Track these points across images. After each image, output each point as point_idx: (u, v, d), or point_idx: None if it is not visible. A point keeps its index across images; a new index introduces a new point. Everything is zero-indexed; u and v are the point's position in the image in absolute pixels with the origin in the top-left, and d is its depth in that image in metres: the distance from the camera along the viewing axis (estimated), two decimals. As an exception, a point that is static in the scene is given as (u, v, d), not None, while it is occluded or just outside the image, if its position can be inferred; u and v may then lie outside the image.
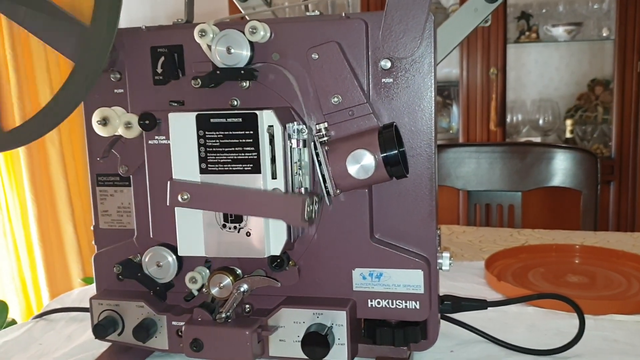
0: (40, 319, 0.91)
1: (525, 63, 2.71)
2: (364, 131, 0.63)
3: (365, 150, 0.61)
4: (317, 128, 0.63)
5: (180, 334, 0.68)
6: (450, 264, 0.68)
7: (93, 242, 0.76)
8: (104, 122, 0.67)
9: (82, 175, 2.14)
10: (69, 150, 2.08)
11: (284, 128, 0.62)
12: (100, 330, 0.70)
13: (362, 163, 0.61)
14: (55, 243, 2.05)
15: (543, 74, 2.70)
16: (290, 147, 0.63)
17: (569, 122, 2.60)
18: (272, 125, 0.62)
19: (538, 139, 2.60)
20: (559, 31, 2.49)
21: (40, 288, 2.01)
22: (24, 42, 1.90)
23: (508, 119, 2.57)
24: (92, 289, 0.76)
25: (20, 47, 1.91)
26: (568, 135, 2.59)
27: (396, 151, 0.61)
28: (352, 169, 0.61)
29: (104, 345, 0.74)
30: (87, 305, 0.74)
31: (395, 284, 0.66)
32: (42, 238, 1.99)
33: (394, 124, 0.63)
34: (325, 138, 0.63)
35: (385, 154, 0.61)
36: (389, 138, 0.61)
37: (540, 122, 2.61)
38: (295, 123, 0.64)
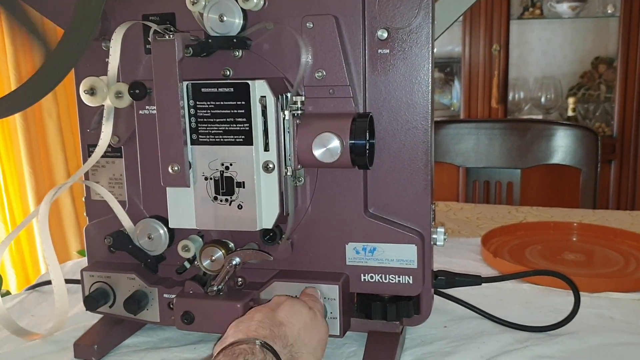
0: (33, 290, 0.90)
1: (529, 40, 2.68)
2: (339, 114, 0.62)
3: (334, 134, 0.60)
4: (293, 99, 0.62)
5: (171, 306, 0.68)
6: (444, 239, 0.67)
7: (85, 214, 0.75)
8: (92, 91, 0.65)
9: (79, 147, 2.13)
10: (66, 123, 2.06)
11: (277, 99, 0.61)
12: (91, 302, 0.69)
13: (329, 146, 0.60)
14: (54, 215, 2.04)
15: (546, 51, 2.67)
16: (284, 118, 0.61)
17: (571, 100, 2.57)
18: (264, 96, 0.60)
19: (540, 117, 2.58)
20: (563, 7, 2.45)
21: (38, 261, 2.01)
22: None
23: (510, 97, 2.54)
24: (86, 261, 0.76)
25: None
26: (570, 113, 2.57)
27: (364, 142, 0.60)
28: (318, 151, 0.61)
29: (95, 317, 0.74)
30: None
31: (389, 258, 0.65)
32: (40, 211, 1.98)
33: (370, 114, 0.63)
34: (299, 111, 0.62)
35: (353, 142, 0.60)
36: (361, 127, 0.60)
37: (542, 100, 2.58)
38: (289, 94, 0.62)
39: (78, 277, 0.90)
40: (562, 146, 1.49)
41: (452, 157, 1.56)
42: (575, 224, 1.10)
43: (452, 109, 2.66)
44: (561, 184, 2.16)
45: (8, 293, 1.44)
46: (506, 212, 1.28)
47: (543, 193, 2.23)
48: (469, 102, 2.44)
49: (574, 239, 1.08)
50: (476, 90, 2.43)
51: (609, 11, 2.42)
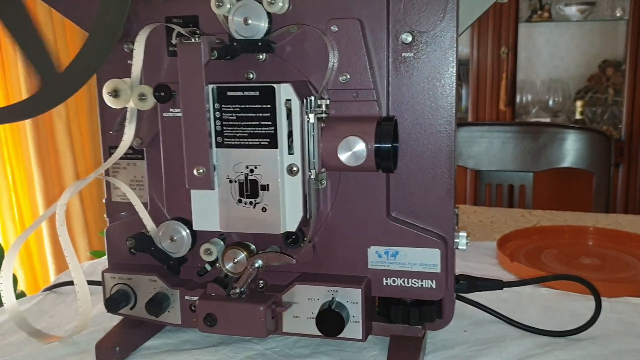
0: (50, 291, 0.90)
1: (537, 43, 2.68)
2: (363, 117, 0.62)
3: (359, 138, 0.60)
4: (318, 103, 0.62)
5: (193, 308, 0.68)
6: (466, 243, 0.67)
7: (105, 216, 0.75)
8: (115, 93, 0.65)
9: (88, 149, 2.13)
10: (75, 124, 2.07)
11: (302, 102, 0.61)
12: (113, 303, 0.69)
13: (354, 150, 0.60)
14: (62, 217, 2.05)
15: (554, 54, 2.67)
16: (308, 121, 0.61)
17: (579, 103, 2.57)
18: (289, 99, 0.60)
19: (547, 120, 2.58)
20: (572, 10, 2.45)
21: (47, 261, 2.01)
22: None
23: (518, 99, 2.55)
24: (101, 263, 0.76)
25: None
26: (578, 116, 2.57)
27: (390, 145, 0.60)
28: (343, 155, 0.61)
29: (115, 319, 0.73)
30: (97, 279, 0.73)
31: (411, 262, 0.65)
32: (48, 212, 1.98)
33: (395, 118, 0.63)
34: (324, 115, 0.62)
35: (378, 146, 0.60)
36: (386, 131, 0.61)
37: (550, 102, 2.58)
38: (313, 98, 0.62)
39: (94, 278, 0.90)
40: (574, 150, 1.49)
41: (464, 160, 1.56)
42: (591, 228, 1.10)
43: (459, 111, 2.66)
44: (573, 187, 2.15)
45: (23, 294, 1.44)
46: (519, 216, 1.28)
47: (555, 196, 2.23)
48: (476, 105, 2.44)
49: (590, 243, 1.08)
50: (484, 92, 2.43)
51: (618, 14, 2.42)
